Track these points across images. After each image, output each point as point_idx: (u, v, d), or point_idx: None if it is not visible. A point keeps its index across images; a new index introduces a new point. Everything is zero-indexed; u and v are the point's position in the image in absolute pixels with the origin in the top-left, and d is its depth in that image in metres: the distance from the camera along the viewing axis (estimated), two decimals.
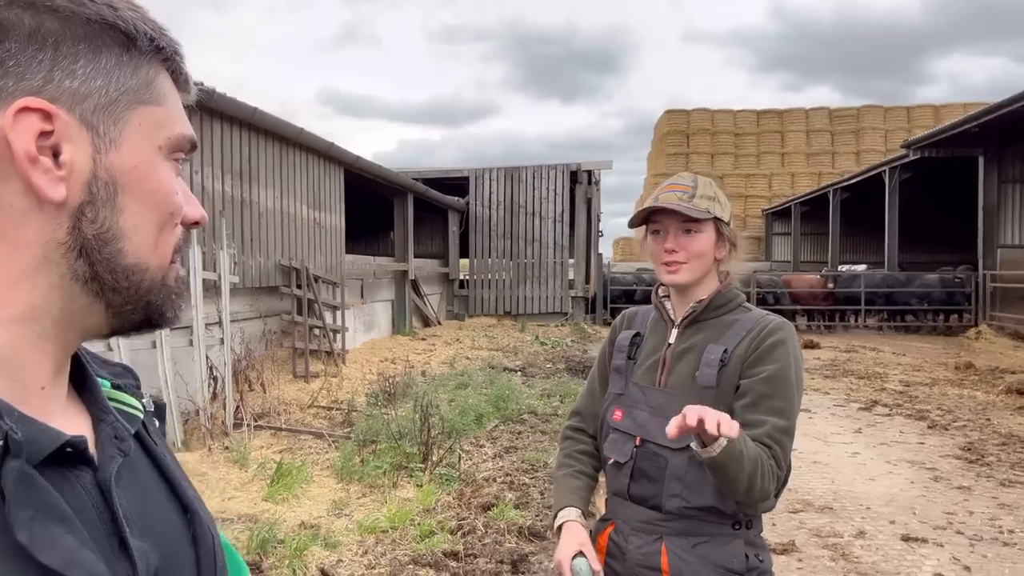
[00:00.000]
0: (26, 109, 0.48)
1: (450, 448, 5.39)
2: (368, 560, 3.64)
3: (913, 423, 7.25)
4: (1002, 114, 12.81)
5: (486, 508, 4.35)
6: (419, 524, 4.05)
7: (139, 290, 0.54)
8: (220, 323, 6.77)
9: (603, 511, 1.70)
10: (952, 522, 4.46)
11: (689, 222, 1.56)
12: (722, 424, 1.27)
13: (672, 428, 1.29)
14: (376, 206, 17.40)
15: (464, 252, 19.01)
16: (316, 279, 9.54)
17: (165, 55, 0.55)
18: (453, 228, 18.80)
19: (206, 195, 7.33)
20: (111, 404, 0.58)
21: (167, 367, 5.68)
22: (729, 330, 1.56)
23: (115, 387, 0.61)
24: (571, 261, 18.84)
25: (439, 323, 16.67)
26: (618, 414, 1.62)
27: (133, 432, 0.58)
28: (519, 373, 9.97)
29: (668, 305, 1.66)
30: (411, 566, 3.53)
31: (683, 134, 34.79)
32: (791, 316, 15.50)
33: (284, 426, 6.32)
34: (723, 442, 1.31)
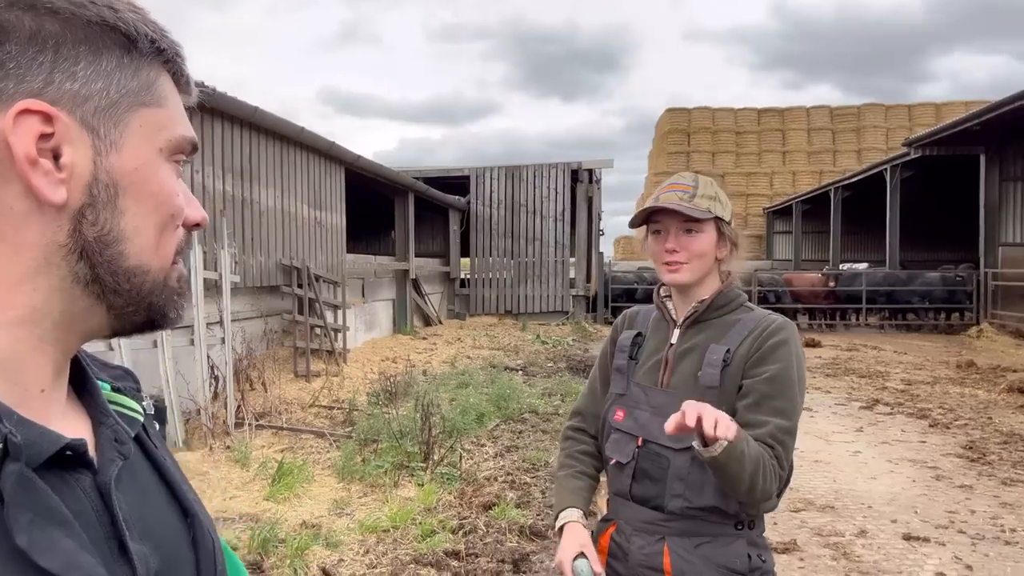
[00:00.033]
0: (26, 111, 0.47)
1: (451, 447, 5.39)
2: (369, 559, 3.65)
3: (915, 422, 7.24)
4: (1003, 112, 12.79)
5: (487, 507, 4.35)
6: (420, 523, 4.05)
7: (141, 292, 0.54)
8: (221, 322, 6.77)
9: (604, 511, 1.70)
10: (954, 521, 4.46)
11: (690, 222, 1.55)
12: (719, 426, 1.27)
13: (670, 424, 1.30)
14: (377, 205, 17.40)
15: (465, 251, 19.01)
16: (317, 278, 9.55)
17: (166, 57, 0.55)
18: (454, 227, 18.80)
19: (207, 194, 7.33)
20: (111, 407, 0.58)
21: (168, 366, 5.68)
22: (731, 330, 1.56)
23: (115, 390, 0.60)
24: (572, 260, 18.83)
25: (440, 322, 16.67)
26: (620, 414, 1.62)
27: (133, 435, 0.58)
28: (520, 372, 9.98)
29: (670, 305, 1.66)
30: (412, 565, 3.53)
31: (684, 132, 34.78)
32: (792, 315, 15.49)
33: (285, 425, 6.33)
34: (724, 442, 1.32)
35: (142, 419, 0.60)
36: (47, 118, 0.48)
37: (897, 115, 33.86)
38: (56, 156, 0.49)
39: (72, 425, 0.54)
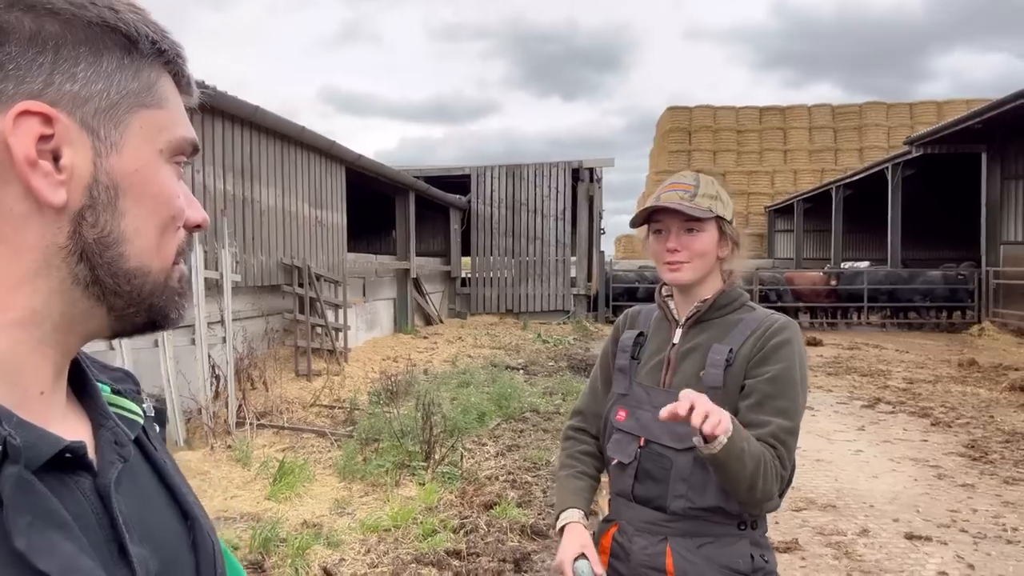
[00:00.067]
0: (26, 113, 0.47)
1: (452, 446, 5.39)
2: (371, 559, 3.65)
3: (916, 420, 7.24)
4: (1005, 110, 12.77)
5: (488, 506, 4.35)
6: (421, 523, 4.05)
7: (141, 293, 0.54)
8: (222, 322, 6.77)
9: (606, 511, 1.70)
10: (956, 520, 4.45)
11: (691, 221, 1.55)
12: (708, 420, 1.27)
13: (664, 411, 1.30)
14: (378, 204, 17.41)
15: (466, 250, 19.01)
16: (318, 277, 9.55)
17: (167, 58, 0.55)
18: (455, 226, 18.79)
19: (208, 194, 7.34)
20: (111, 409, 0.58)
21: (169, 366, 5.68)
22: (734, 330, 1.55)
23: (115, 392, 0.60)
24: (573, 259, 18.83)
25: (441, 321, 16.67)
26: (622, 414, 1.62)
27: (133, 437, 0.58)
28: (521, 371, 9.97)
29: (672, 304, 1.66)
30: (413, 565, 3.53)
31: (685, 131, 34.76)
32: (794, 313, 15.49)
33: (286, 425, 6.33)
34: (723, 439, 1.32)
35: (142, 421, 0.60)
36: (47, 119, 0.48)
37: (898, 113, 33.83)
38: (56, 158, 0.49)
39: (72, 427, 0.53)
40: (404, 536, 3.93)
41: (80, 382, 0.57)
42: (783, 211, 31.27)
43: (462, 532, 3.97)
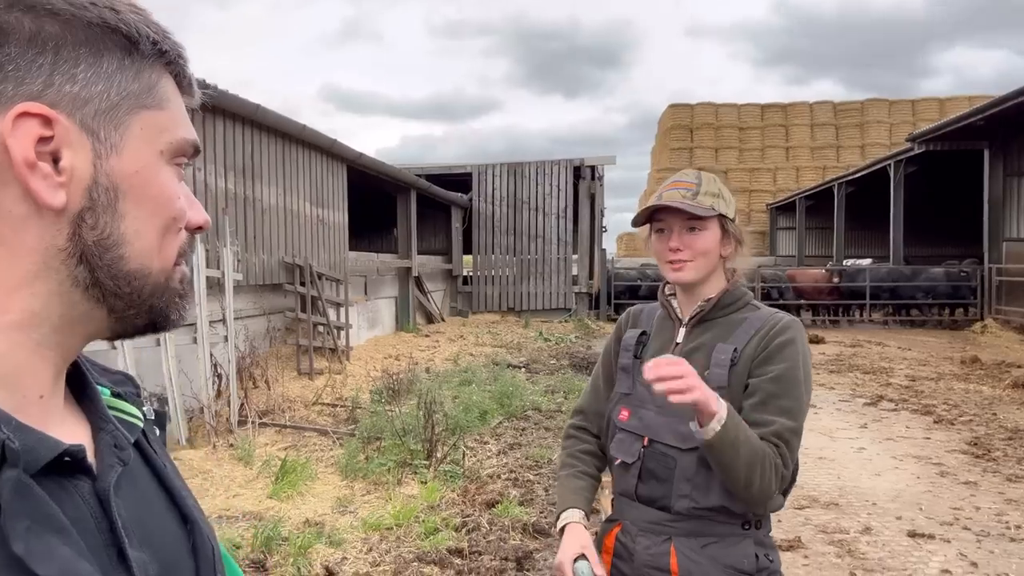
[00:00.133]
0: (25, 114, 0.47)
1: (454, 445, 5.39)
2: (372, 557, 3.65)
3: (919, 418, 7.23)
4: (1007, 107, 12.74)
5: (490, 505, 4.35)
6: (423, 521, 4.05)
7: (142, 295, 0.53)
8: (224, 321, 6.78)
9: (609, 511, 1.69)
10: (959, 518, 4.45)
11: (693, 220, 1.54)
12: (673, 383, 1.30)
13: (648, 371, 1.33)
14: (379, 203, 17.41)
15: (467, 248, 19.01)
16: (320, 276, 9.55)
17: (168, 59, 0.55)
18: (456, 224, 18.79)
19: (209, 192, 7.34)
20: (111, 413, 0.57)
21: (171, 365, 5.69)
22: (738, 329, 1.55)
23: (115, 395, 0.60)
24: (575, 257, 18.82)
25: (443, 320, 16.68)
26: (625, 414, 1.61)
27: (133, 441, 0.57)
28: (523, 369, 9.97)
29: (675, 303, 1.65)
30: (415, 563, 3.53)
31: (687, 129, 34.69)
32: (796, 311, 15.47)
33: (288, 423, 6.33)
34: (716, 426, 1.35)
35: (142, 425, 0.60)
36: (46, 121, 0.48)
37: (900, 110, 33.74)
38: (55, 159, 0.48)
39: (71, 431, 0.53)
40: (406, 535, 3.93)
41: (80, 385, 0.57)
42: (785, 208, 31.22)
43: (464, 531, 3.97)
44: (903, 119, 32.80)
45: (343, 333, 10.05)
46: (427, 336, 13.94)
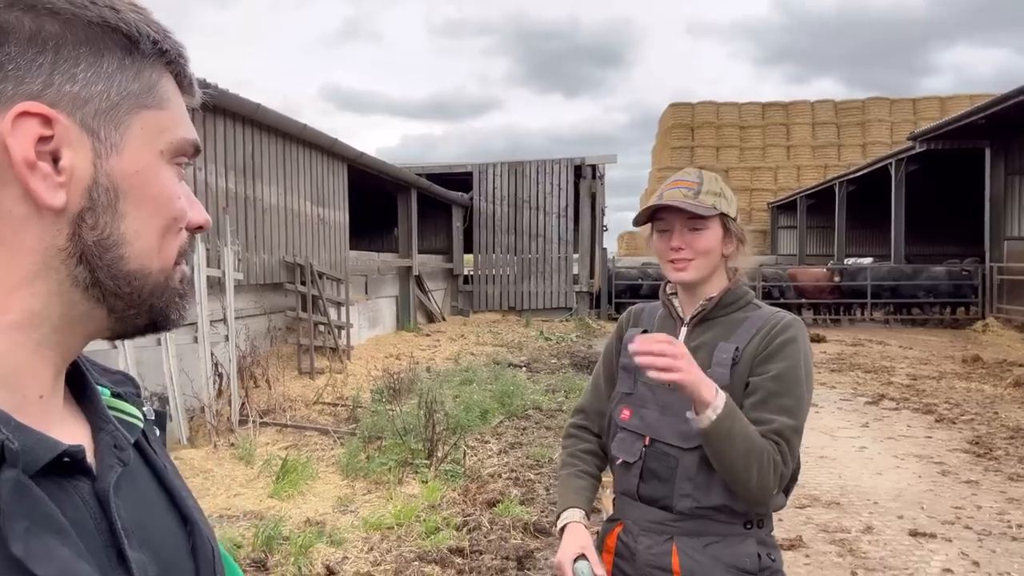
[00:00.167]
0: (25, 114, 0.47)
1: (455, 444, 5.39)
2: (373, 557, 3.65)
3: (920, 417, 7.23)
4: (1008, 106, 12.72)
5: (491, 504, 4.35)
6: (424, 520, 4.05)
7: (142, 295, 0.53)
8: (225, 320, 6.78)
9: (610, 510, 1.69)
10: (960, 517, 4.44)
11: (695, 219, 1.54)
12: (657, 363, 1.32)
13: (633, 344, 1.37)
14: (380, 202, 17.41)
15: (468, 248, 19.01)
16: (320, 275, 9.55)
17: (169, 58, 0.54)
18: (457, 223, 18.78)
19: (210, 192, 7.34)
20: (111, 413, 0.57)
21: (172, 364, 5.69)
22: (739, 328, 1.54)
23: (115, 395, 0.60)
24: (575, 256, 18.82)
25: (443, 319, 16.68)
26: (626, 413, 1.61)
27: (133, 441, 0.57)
28: (524, 369, 9.97)
29: (676, 302, 1.65)
30: (416, 563, 3.53)
31: (688, 127, 34.66)
32: (797, 310, 15.46)
33: (289, 423, 6.33)
34: (711, 415, 1.36)
35: (142, 425, 0.60)
36: (46, 121, 0.47)
37: (902, 109, 33.70)
38: (55, 159, 0.48)
39: (71, 431, 0.53)
40: (407, 534, 3.93)
41: (80, 385, 0.57)
42: (786, 207, 31.19)
43: (465, 530, 3.97)
44: (904, 118, 32.76)
45: (344, 332, 10.05)
46: (428, 335, 13.94)
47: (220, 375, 6.59)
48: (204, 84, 6.58)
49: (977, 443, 6.13)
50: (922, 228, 24.42)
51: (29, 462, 0.44)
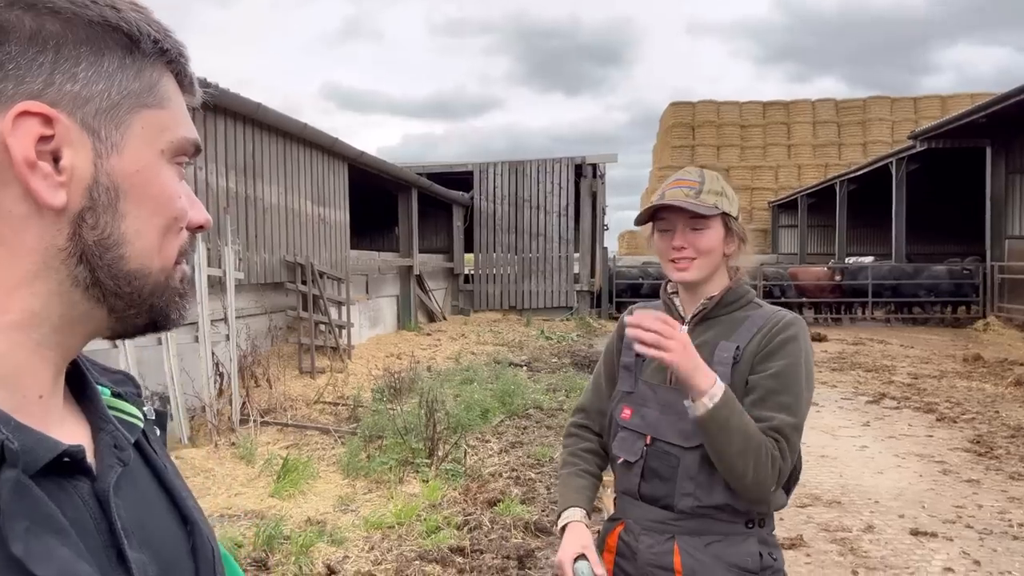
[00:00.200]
0: (26, 113, 0.47)
1: (456, 443, 5.39)
2: (374, 556, 3.65)
3: (921, 416, 7.22)
4: (1009, 104, 12.71)
5: (492, 503, 4.35)
6: (425, 520, 4.05)
7: (142, 294, 0.53)
8: (225, 319, 6.78)
9: (611, 510, 1.69)
10: (961, 516, 4.44)
11: (697, 218, 1.54)
12: (647, 338, 1.35)
13: (631, 320, 1.41)
14: (380, 201, 17.40)
15: (469, 247, 19.00)
16: (321, 275, 9.55)
17: (169, 57, 0.54)
18: (458, 223, 18.78)
19: (210, 191, 7.34)
20: (111, 413, 0.57)
21: (173, 364, 5.69)
22: (740, 327, 1.54)
23: (115, 395, 0.60)
24: (576, 255, 18.81)
25: (444, 318, 16.68)
26: (627, 412, 1.61)
27: (133, 441, 0.57)
28: (524, 368, 9.97)
29: (677, 302, 1.65)
30: (417, 562, 3.53)
31: (688, 126, 34.65)
32: (798, 309, 15.45)
33: (290, 422, 6.34)
34: (707, 403, 1.37)
35: (142, 425, 0.60)
36: (47, 120, 0.47)
37: (902, 108, 33.67)
38: (56, 159, 0.48)
39: (71, 431, 0.53)
40: (408, 533, 3.93)
41: (80, 385, 0.57)
42: (787, 206, 31.18)
43: (466, 529, 3.97)
44: (905, 117, 32.74)
45: (344, 332, 10.06)
46: (429, 335, 13.95)
47: (221, 374, 6.59)
48: (205, 83, 6.58)
49: (978, 442, 6.12)
50: (923, 227, 24.39)
51: (29, 462, 0.44)
